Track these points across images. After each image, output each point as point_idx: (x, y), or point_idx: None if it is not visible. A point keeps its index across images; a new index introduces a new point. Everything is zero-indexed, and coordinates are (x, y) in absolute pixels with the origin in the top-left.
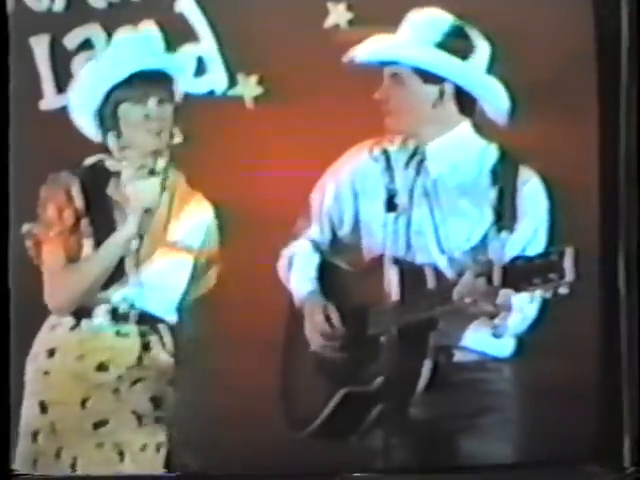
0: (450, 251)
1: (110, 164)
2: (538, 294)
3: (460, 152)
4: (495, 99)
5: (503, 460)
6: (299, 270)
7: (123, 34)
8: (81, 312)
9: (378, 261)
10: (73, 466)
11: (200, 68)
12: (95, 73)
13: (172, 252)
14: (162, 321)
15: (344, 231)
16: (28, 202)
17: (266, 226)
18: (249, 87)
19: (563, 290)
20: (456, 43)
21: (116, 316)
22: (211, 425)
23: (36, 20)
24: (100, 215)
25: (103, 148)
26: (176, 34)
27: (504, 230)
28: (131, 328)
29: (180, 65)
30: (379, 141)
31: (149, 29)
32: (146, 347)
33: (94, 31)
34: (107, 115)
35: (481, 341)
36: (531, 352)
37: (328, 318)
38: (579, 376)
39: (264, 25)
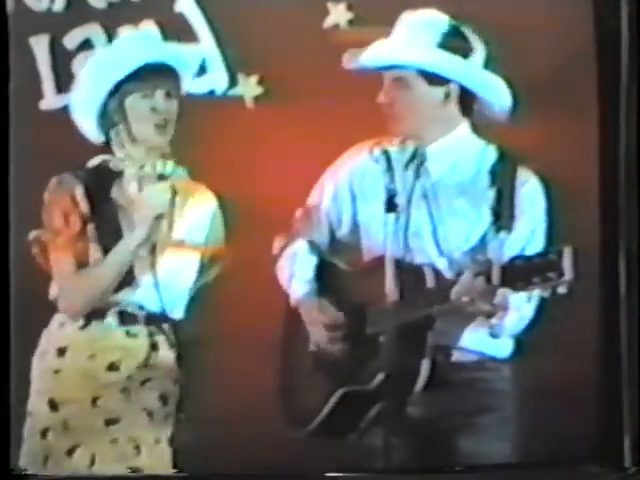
0: (449, 252)
1: (113, 164)
2: (537, 293)
3: (459, 153)
4: (497, 97)
5: (503, 459)
6: (296, 271)
7: (124, 34)
8: (91, 313)
9: (377, 261)
10: (91, 462)
11: (200, 68)
12: (98, 69)
13: (179, 251)
14: (168, 320)
15: (342, 231)
16: (28, 203)
17: (266, 226)
18: (249, 87)
19: (562, 289)
20: (456, 43)
21: (125, 317)
22: (211, 424)
23: (36, 20)
24: (105, 219)
25: (104, 149)
26: (176, 34)
27: (502, 230)
28: (140, 328)
29: (186, 60)
30: (379, 141)
31: (149, 29)
32: (154, 347)
33: (94, 31)
34: (113, 110)
35: (480, 342)
36: (531, 352)
37: (325, 312)
38: (579, 376)
39: (264, 25)
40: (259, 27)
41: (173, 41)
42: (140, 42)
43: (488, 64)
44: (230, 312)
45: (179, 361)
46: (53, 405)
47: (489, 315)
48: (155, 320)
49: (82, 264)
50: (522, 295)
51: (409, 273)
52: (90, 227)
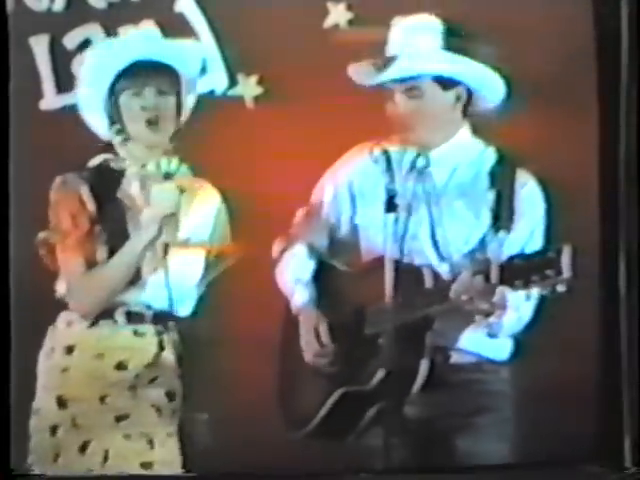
0: (448, 255)
1: (115, 163)
2: (536, 292)
3: (460, 156)
4: (496, 95)
5: (502, 460)
6: (296, 275)
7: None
8: (99, 312)
9: (376, 262)
10: (105, 458)
11: (200, 68)
12: (96, 66)
13: (185, 249)
14: (175, 319)
15: (342, 232)
16: (28, 203)
17: (266, 227)
18: (249, 87)
19: (561, 287)
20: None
21: (132, 316)
22: (209, 424)
23: (36, 20)
24: (111, 219)
25: (105, 147)
26: (176, 34)
27: (504, 229)
28: (147, 328)
29: (183, 56)
30: (380, 142)
31: (149, 29)
32: (161, 346)
33: (94, 31)
34: (111, 107)
35: (478, 343)
36: (531, 352)
37: (318, 336)
38: (579, 376)
39: (264, 25)
40: (259, 27)
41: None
42: (135, 39)
43: (488, 64)
44: (229, 312)
45: (184, 359)
46: (61, 402)
47: (487, 314)
48: (162, 319)
49: (91, 264)
50: (521, 294)
51: (408, 274)
52: (97, 227)
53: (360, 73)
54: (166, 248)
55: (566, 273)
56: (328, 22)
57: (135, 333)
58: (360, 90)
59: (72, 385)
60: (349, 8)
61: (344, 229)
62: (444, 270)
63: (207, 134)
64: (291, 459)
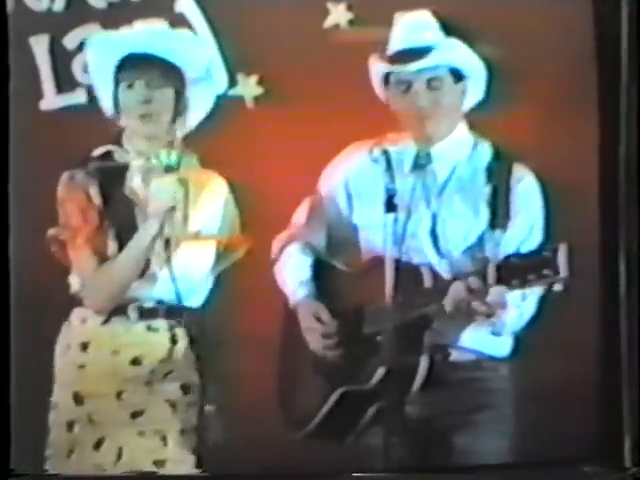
0: (447, 251)
1: (118, 155)
2: (532, 291)
3: (459, 152)
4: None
5: (501, 459)
6: (293, 273)
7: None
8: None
9: (375, 261)
10: (119, 456)
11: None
12: (99, 56)
13: (195, 242)
14: (187, 312)
15: (340, 231)
16: (28, 203)
17: (266, 227)
18: (249, 87)
19: (558, 287)
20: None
21: (145, 312)
22: (211, 425)
23: (36, 20)
24: (120, 213)
25: (113, 139)
26: None
27: (499, 228)
28: (160, 323)
29: (181, 50)
30: (379, 141)
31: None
32: (174, 340)
33: (94, 31)
34: (114, 100)
35: (478, 340)
36: (530, 352)
37: (320, 320)
38: (579, 376)
39: (264, 25)
40: (259, 27)
41: None
42: (136, 32)
43: (487, 64)
44: (230, 311)
45: (198, 352)
46: (78, 399)
47: (488, 315)
48: (174, 313)
49: (102, 260)
50: (517, 293)
51: (407, 273)
52: (106, 222)
53: (382, 63)
54: (169, 242)
55: (563, 272)
56: (328, 22)
57: (148, 328)
58: (360, 90)
59: (88, 381)
60: (349, 8)
61: (342, 228)
62: (443, 268)
63: (206, 134)
64: (291, 459)
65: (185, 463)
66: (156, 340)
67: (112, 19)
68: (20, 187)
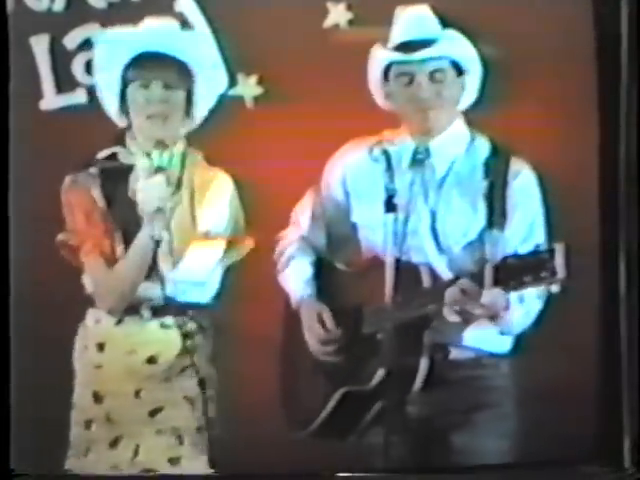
0: (448, 247)
1: (123, 156)
2: (529, 292)
3: (457, 147)
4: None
5: (502, 458)
6: (295, 272)
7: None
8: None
9: (375, 261)
10: (135, 454)
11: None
12: (108, 53)
13: (201, 240)
14: (197, 308)
15: (338, 230)
16: (28, 203)
17: (266, 227)
18: (249, 87)
19: (555, 288)
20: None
21: (157, 310)
22: (211, 425)
23: (36, 20)
24: (124, 214)
25: (117, 139)
26: None
27: (498, 224)
28: (172, 320)
29: (194, 51)
30: (379, 141)
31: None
32: (187, 335)
33: (94, 31)
34: (121, 98)
35: (478, 338)
36: (530, 352)
37: (323, 323)
38: (579, 376)
39: (264, 25)
40: (259, 27)
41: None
42: (149, 30)
43: (487, 63)
44: (231, 310)
45: (213, 345)
46: (97, 398)
47: (490, 317)
48: (185, 310)
49: (111, 261)
50: (514, 294)
51: (407, 272)
52: (112, 224)
53: (386, 51)
54: (180, 239)
55: (560, 274)
56: (328, 22)
57: (161, 326)
58: (360, 90)
59: (107, 381)
60: (349, 8)
61: (341, 226)
62: (442, 266)
63: (206, 134)
64: (294, 459)
65: (199, 460)
66: (169, 337)
67: (112, 19)
68: (20, 187)
